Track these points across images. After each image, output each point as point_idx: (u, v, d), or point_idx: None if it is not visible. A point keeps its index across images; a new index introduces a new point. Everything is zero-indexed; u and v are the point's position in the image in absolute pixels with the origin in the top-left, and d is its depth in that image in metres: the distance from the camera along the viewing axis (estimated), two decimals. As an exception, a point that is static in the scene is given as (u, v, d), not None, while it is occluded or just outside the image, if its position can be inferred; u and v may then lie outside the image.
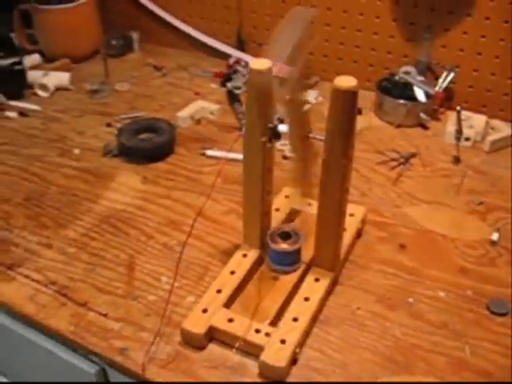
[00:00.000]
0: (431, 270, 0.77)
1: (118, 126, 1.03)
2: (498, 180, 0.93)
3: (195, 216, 0.70)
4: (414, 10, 1.07)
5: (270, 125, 0.65)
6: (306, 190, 0.74)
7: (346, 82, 0.58)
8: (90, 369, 0.74)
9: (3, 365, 0.91)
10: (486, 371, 0.64)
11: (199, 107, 1.09)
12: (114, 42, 1.32)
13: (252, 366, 0.64)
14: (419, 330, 0.69)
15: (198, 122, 1.08)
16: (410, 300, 0.73)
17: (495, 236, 0.82)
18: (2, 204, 0.89)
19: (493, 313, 0.71)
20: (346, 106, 0.59)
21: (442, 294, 0.74)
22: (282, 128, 0.66)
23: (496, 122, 1.04)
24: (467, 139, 1.00)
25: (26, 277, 0.76)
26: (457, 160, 0.97)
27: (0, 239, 0.83)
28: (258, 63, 0.62)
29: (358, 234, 0.82)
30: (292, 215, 0.82)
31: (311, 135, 0.64)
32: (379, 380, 0.63)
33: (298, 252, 0.73)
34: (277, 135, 0.66)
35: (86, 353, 0.70)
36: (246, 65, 1.23)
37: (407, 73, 1.08)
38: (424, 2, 1.05)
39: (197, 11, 1.31)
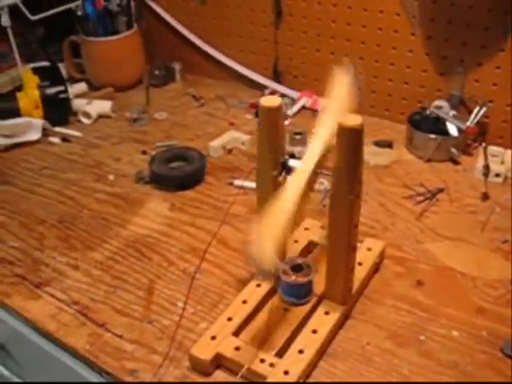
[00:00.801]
0: (447, 309, 0.76)
1: (153, 153, 1.07)
2: (526, 218, 0.91)
3: (210, 240, 0.72)
4: (446, 44, 1.07)
5: (281, 159, 0.67)
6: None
7: (351, 120, 0.60)
8: (106, 388, 0.77)
9: (30, 376, 0.95)
10: (494, 415, 0.63)
11: (231, 137, 1.12)
12: (156, 73, 1.38)
13: (255, 396, 0.65)
14: (428, 369, 0.68)
15: (230, 151, 1.11)
16: (422, 338, 0.72)
17: (518, 276, 0.80)
18: (38, 225, 0.95)
19: (506, 355, 0.69)
20: (350, 143, 0.60)
21: (455, 333, 0.72)
22: (293, 163, 0.67)
23: (530, 159, 1.02)
24: (497, 175, 0.99)
25: (52, 296, 0.80)
26: (485, 196, 0.96)
27: (32, 259, 0.88)
28: (269, 100, 0.64)
29: (376, 269, 0.82)
30: (310, 247, 0.84)
31: (319, 171, 0.66)
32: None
33: (309, 285, 0.74)
34: (288, 169, 0.67)
35: (99, 372, 0.73)
36: (281, 96, 1.25)
37: (439, 107, 1.08)
38: (456, 36, 1.05)
39: (236, 44, 1.35)
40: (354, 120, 0.60)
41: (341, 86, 0.67)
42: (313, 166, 0.63)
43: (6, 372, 0.98)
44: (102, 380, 0.76)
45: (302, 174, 0.64)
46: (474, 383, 0.65)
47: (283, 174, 0.68)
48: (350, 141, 0.60)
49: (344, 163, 0.62)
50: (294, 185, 0.63)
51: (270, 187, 0.69)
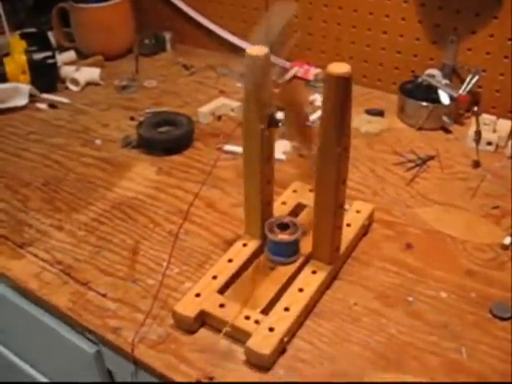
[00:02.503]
0: (435, 271, 0.75)
1: (141, 119, 1.06)
2: (517, 185, 0.91)
3: (193, 199, 0.70)
4: (439, 12, 1.06)
5: (268, 112, 0.66)
6: (310, 181, 0.74)
7: (339, 68, 0.58)
8: (89, 349, 0.76)
9: (8, 338, 0.94)
10: (481, 375, 0.62)
11: (221, 104, 1.11)
12: (146, 42, 1.36)
13: (239, 353, 0.64)
14: (415, 329, 0.67)
15: (219, 118, 1.10)
16: (410, 299, 0.71)
17: (507, 240, 0.79)
18: (22, 187, 0.93)
19: (495, 316, 0.69)
20: (338, 92, 0.59)
21: (443, 294, 0.72)
22: (280, 115, 0.66)
23: (522, 128, 1.01)
24: (489, 143, 0.98)
25: (35, 256, 0.79)
26: (476, 164, 0.95)
27: (16, 220, 0.86)
28: (256, 49, 0.63)
29: (364, 232, 0.81)
30: (298, 209, 0.82)
31: (308, 123, 0.64)
32: (375, 380, 0.62)
33: (295, 244, 0.73)
34: (275, 122, 0.66)
35: (82, 330, 0.72)
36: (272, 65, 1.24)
37: (431, 76, 1.06)
38: (449, 3, 1.04)
39: (227, 13, 1.33)
40: (342, 68, 0.58)
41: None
42: None
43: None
44: (85, 340, 0.76)
45: None
46: (481, 383, 0.64)
47: (271, 127, 0.67)
48: (337, 90, 0.59)
49: (331, 114, 0.60)
50: None
51: (257, 141, 0.67)
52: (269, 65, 0.63)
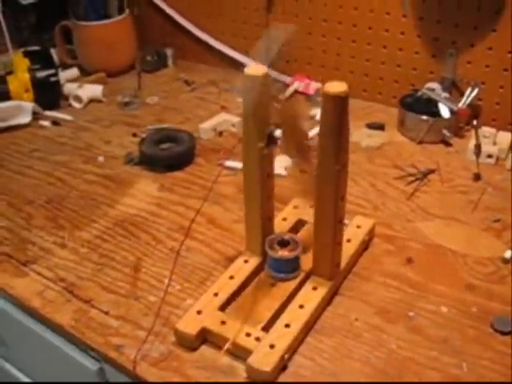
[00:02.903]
0: (436, 285, 0.75)
1: (143, 136, 1.07)
2: (517, 198, 0.91)
3: (194, 216, 0.71)
4: (438, 25, 1.06)
5: (267, 130, 0.66)
6: (310, 199, 0.74)
7: (336, 87, 0.59)
8: (91, 366, 0.76)
9: (12, 354, 0.95)
10: (483, 390, 0.63)
11: (222, 120, 1.12)
12: (148, 58, 1.37)
13: (241, 370, 0.64)
14: (416, 345, 0.67)
15: (220, 134, 1.11)
16: (411, 314, 0.71)
17: (508, 254, 0.79)
18: (26, 205, 0.94)
19: (496, 331, 0.69)
20: (335, 111, 0.59)
21: (444, 309, 0.72)
22: (279, 133, 0.67)
23: (522, 140, 1.02)
24: (490, 156, 0.98)
25: (38, 273, 0.80)
26: (477, 177, 0.95)
27: (19, 238, 0.87)
28: (254, 69, 0.64)
29: (365, 247, 0.82)
30: (298, 225, 0.83)
31: (306, 141, 0.65)
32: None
33: (296, 260, 0.73)
34: (273, 140, 0.67)
35: (85, 348, 0.72)
36: (274, 81, 1.25)
37: (431, 89, 1.07)
38: (448, 17, 1.05)
39: (228, 28, 1.34)
40: (339, 87, 0.59)
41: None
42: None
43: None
44: (88, 357, 0.76)
45: None
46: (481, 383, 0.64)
47: (270, 145, 0.67)
48: (334, 109, 0.59)
49: (329, 132, 0.61)
50: None
51: (256, 159, 0.68)
52: (267, 84, 0.64)
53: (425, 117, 1.04)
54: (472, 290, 0.75)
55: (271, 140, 0.67)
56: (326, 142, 0.62)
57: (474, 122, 0.95)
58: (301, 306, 0.69)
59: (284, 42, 0.64)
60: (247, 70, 0.63)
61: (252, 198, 0.72)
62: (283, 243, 0.73)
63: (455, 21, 1.05)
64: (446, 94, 1.07)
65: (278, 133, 0.66)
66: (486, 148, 0.98)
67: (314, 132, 1.04)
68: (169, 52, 1.41)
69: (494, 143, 1.01)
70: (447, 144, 1.05)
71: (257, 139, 0.66)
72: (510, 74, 1.03)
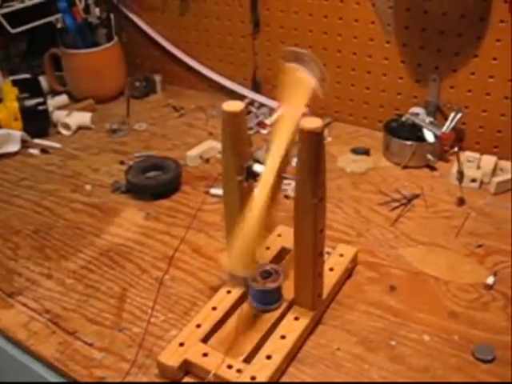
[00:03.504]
0: (419, 313, 0.76)
1: (130, 163, 1.08)
2: (501, 222, 0.91)
3: (178, 245, 0.71)
4: (420, 51, 1.08)
5: (245, 164, 0.67)
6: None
7: (311, 123, 0.60)
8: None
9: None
10: (463, 419, 0.63)
11: (209, 147, 1.12)
12: (137, 84, 1.38)
13: (223, 402, 0.65)
14: (398, 374, 0.67)
15: (207, 161, 1.12)
16: (393, 343, 0.71)
17: (491, 280, 0.79)
18: (13, 235, 0.94)
19: (478, 359, 0.69)
20: (311, 146, 0.60)
21: (426, 337, 0.72)
22: (257, 168, 0.67)
23: (506, 164, 1.02)
24: (473, 181, 0.99)
25: (24, 305, 0.80)
26: (460, 201, 0.96)
27: (6, 268, 0.87)
28: (232, 105, 0.65)
29: (348, 275, 0.82)
30: (282, 254, 0.83)
31: (284, 174, 0.66)
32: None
33: (277, 291, 0.73)
34: (252, 174, 0.67)
35: (69, 381, 0.72)
36: (260, 106, 1.26)
37: (415, 114, 1.08)
38: (430, 43, 1.06)
39: (215, 54, 1.36)
40: (314, 123, 0.60)
41: (297, 86, 0.67)
42: (275, 171, 0.63)
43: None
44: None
45: (267, 180, 0.64)
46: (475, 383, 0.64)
47: (249, 179, 0.68)
48: (310, 144, 0.60)
49: (306, 167, 0.62)
50: (260, 193, 0.63)
51: (235, 192, 0.69)
52: (245, 119, 0.65)
53: (409, 142, 1.05)
54: (454, 317, 0.75)
55: (250, 174, 0.67)
56: (302, 177, 0.62)
57: (456, 148, 0.96)
58: (282, 337, 0.69)
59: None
60: (225, 106, 0.64)
61: (232, 232, 0.73)
62: (265, 274, 0.74)
63: (437, 46, 1.06)
64: (430, 119, 1.08)
65: (256, 167, 0.67)
66: (470, 172, 0.99)
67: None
68: (157, 78, 1.42)
69: (478, 167, 1.01)
70: (432, 168, 1.06)
71: (235, 173, 0.67)
72: (493, 98, 1.04)
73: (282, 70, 0.69)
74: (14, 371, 0.84)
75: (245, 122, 0.65)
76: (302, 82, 0.66)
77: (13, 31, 1.26)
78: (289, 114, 0.65)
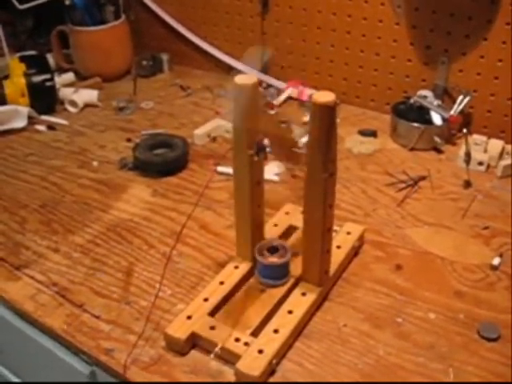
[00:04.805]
0: (424, 292, 0.76)
1: (137, 141, 1.08)
2: (507, 205, 0.91)
3: (185, 221, 0.71)
4: (430, 33, 1.08)
5: (256, 138, 0.67)
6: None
7: (324, 96, 0.60)
8: (83, 369, 0.77)
9: (6, 357, 0.96)
10: (468, 395, 0.63)
11: (216, 125, 1.12)
12: (144, 63, 1.38)
13: (229, 374, 0.65)
14: (403, 351, 0.68)
15: (214, 139, 1.12)
16: (399, 320, 0.72)
17: (496, 261, 0.80)
18: (20, 209, 0.95)
19: (483, 337, 0.70)
20: (323, 120, 0.60)
21: (432, 315, 0.73)
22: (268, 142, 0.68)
23: (513, 148, 1.03)
24: (480, 164, 0.99)
25: (31, 277, 0.81)
26: (467, 184, 0.96)
27: (13, 242, 0.88)
28: (244, 78, 0.64)
29: (355, 253, 0.82)
30: (290, 231, 0.84)
31: (294, 149, 0.66)
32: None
33: (285, 266, 0.74)
34: (263, 148, 0.68)
35: (76, 351, 0.73)
36: (268, 86, 1.26)
37: (424, 97, 1.08)
38: (440, 25, 1.06)
39: (223, 34, 1.35)
40: (327, 96, 0.60)
41: None
42: None
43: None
44: (80, 361, 0.77)
45: None
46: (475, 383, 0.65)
47: (259, 154, 0.68)
48: (322, 118, 0.60)
49: (317, 141, 0.62)
50: None
51: (246, 167, 0.69)
52: (257, 93, 0.65)
53: (416, 124, 1.05)
54: (460, 296, 0.76)
55: (260, 148, 0.67)
56: (313, 151, 0.63)
57: (464, 130, 0.96)
58: (290, 312, 0.70)
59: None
60: (237, 79, 0.64)
61: (242, 205, 0.73)
62: (273, 249, 0.74)
63: (447, 29, 1.06)
64: (438, 102, 1.08)
65: (267, 141, 0.67)
66: (477, 155, 0.99)
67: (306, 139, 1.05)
68: (164, 57, 1.41)
69: (485, 151, 1.01)
70: (439, 151, 1.06)
71: (246, 147, 0.67)
72: (501, 82, 1.04)
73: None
74: (21, 344, 0.85)
75: (258, 96, 0.65)
76: None
77: (20, 7, 1.25)
78: None
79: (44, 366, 0.84)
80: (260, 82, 1.27)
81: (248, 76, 0.65)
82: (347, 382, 0.65)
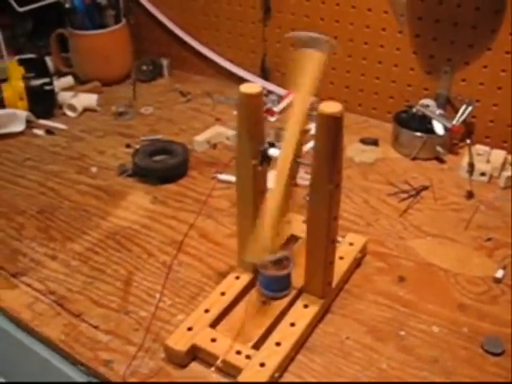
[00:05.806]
0: (428, 305, 0.75)
1: (137, 147, 1.06)
2: (509, 216, 0.90)
3: (187, 230, 0.70)
4: (433, 42, 1.07)
5: (261, 148, 0.66)
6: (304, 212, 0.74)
7: (331, 107, 0.59)
8: (80, 380, 0.75)
9: (1, 365, 0.93)
10: (472, 411, 0.63)
11: (216, 132, 1.11)
12: (144, 68, 1.37)
13: (230, 388, 0.64)
14: (407, 364, 0.67)
15: (214, 146, 1.11)
16: (402, 333, 0.71)
17: (500, 273, 0.79)
18: (17, 215, 0.93)
19: (487, 352, 0.69)
20: (330, 131, 0.59)
21: (436, 329, 0.72)
22: (273, 152, 0.67)
23: (515, 158, 1.02)
24: (483, 174, 0.98)
25: (28, 285, 0.79)
26: (470, 195, 0.95)
27: (10, 248, 0.86)
28: (249, 87, 0.64)
29: (357, 264, 0.81)
30: (291, 241, 0.83)
31: (299, 160, 0.65)
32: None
33: (287, 278, 0.73)
34: (267, 158, 0.67)
35: (73, 362, 0.71)
36: (268, 93, 1.25)
37: (426, 106, 1.07)
38: (444, 34, 1.05)
39: (224, 40, 1.34)
40: (334, 107, 0.59)
41: (307, 67, 0.66)
42: (291, 154, 0.62)
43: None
44: (77, 371, 0.75)
45: (283, 164, 0.63)
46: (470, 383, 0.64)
47: (263, 163, 0.67)
48: (329, 129, 0.59)
49: (323, 152, 0.61)
50: (277, 178, 0.63)
51: (249, 177, 0.68)
52: (261, 102, 0.64)
53: (419, 133, 1.04)
54: (463, 309, 0.75)
55: (265, 158, 0.67)
56: (319, 162, 0.62)
57: (468, 141, 0.95)
58: (292, 324, 0.69)
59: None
60: (242, 88, 0.63)
61: (244, 215, 0.72)
62: (275, 261, 0.73)
63: (451, 38, 1.05)
64: (440, 111, 1.07)
65: (271, 151, 0.66)
66: (480, 166, 0.99)
67: (308, 146, 1.04)
68: (164, 62, 1.41)
69: (488, 161, 1.01)
70: (441, 161, 1.05)
71: (250, 157, 0.66)
72: (504, 92, 1.03)
73: (291, 56, 0.67)
74: (17, 353, 0.83)
75: (261, 105, 0.64)
76: (312, 58, 0.65)
77: (20, 10, 1.24)
78: (300, 97, 0.64)
79: (40, 374, 0.82)
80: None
81: (252, 85, 0.64)
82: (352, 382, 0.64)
